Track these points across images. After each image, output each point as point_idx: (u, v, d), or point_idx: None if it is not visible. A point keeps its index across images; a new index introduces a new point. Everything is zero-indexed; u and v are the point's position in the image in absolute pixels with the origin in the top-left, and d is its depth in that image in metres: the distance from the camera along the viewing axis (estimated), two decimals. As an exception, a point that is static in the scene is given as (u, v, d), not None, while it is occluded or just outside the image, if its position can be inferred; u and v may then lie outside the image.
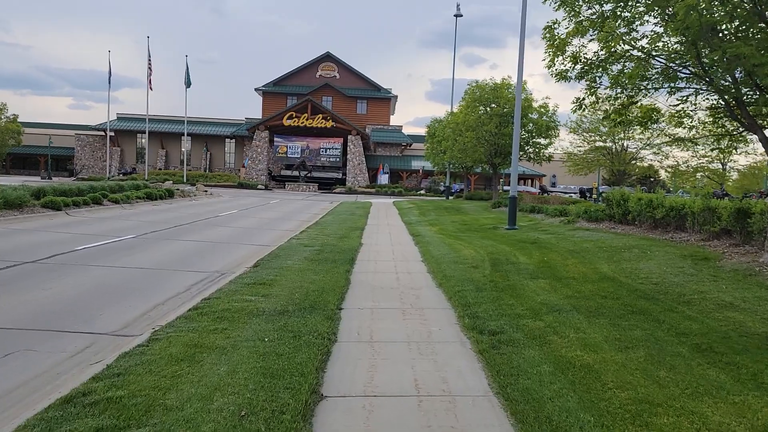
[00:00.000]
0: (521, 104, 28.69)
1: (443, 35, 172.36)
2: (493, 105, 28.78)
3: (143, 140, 73.63)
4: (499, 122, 28.58)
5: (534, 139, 29.07)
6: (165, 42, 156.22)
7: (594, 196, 57.84)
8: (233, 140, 71.04)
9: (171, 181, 53.99)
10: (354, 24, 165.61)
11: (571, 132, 38.44)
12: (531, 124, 28.47)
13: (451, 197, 44.04)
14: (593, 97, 11.05)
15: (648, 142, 39.68)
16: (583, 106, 11.30)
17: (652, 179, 74.49)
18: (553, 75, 10.84)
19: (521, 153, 30.17)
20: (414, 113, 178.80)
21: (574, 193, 60.10)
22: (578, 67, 10.43)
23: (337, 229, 18.82)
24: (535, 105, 28.70)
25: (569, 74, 10.65)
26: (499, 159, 29.84)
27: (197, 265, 11.47)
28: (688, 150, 40.60)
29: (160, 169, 69.40)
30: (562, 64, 10.70)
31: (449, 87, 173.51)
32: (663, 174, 66.25)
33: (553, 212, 21.32)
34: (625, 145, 40.49)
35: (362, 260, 12.50)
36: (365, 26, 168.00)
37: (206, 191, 37.69)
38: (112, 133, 72.27)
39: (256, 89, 73.71)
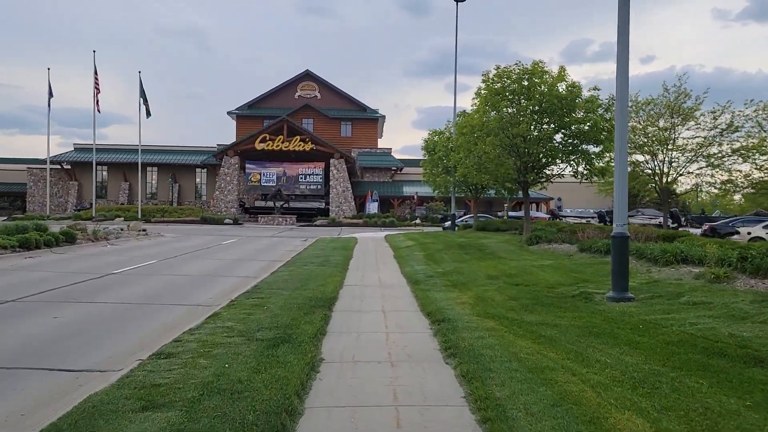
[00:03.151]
0: (561, 96, 19.78)
1: (427, 65, 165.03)
2: (523, 100, 19.79)
3: (104, 172, 64.71)
4: (534, 122, 19.61)
5: (581, 146, 20.06)
6: (154, 77, 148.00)
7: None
8: (204, 169, 61.88)
9: (122, 218, 44.85)
10: (338, 55, 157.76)
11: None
12: (576, 125, 19.40)
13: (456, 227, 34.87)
14: None
15: (700, 153, 30.96)
16: None
17: (669, 200, 65.77)
18: None
19: (565, 166, 21.01)
20: (402, 141, 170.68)
21: (591, 218, 51.13)
22: None
23: (285, 304, 9.59)
24: (578, 100, 19.68)
25: None
26: (533, 174, 20.81)
27: None
28: (746, 162, 31.97)
29: (122, 203, 59.99)
30: None
31: (436, 115, 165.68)
32: (683, 190, 57.75)
33: (661, 256, 12.15)
34: (671, 157, 31.55)
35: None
36: (349, 58, 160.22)
37: (143, 230, 28.33)
38: (69, 166, 63.24)
39: (229, 113, 64.81)
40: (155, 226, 40.69)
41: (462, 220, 41.52)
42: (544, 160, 20.77)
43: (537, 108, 19.55)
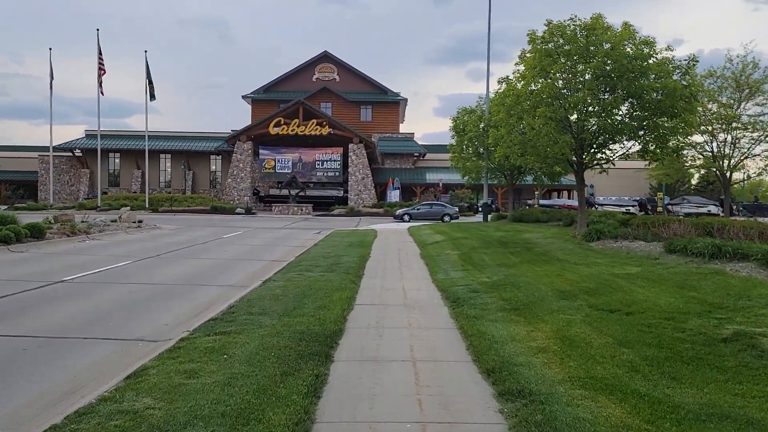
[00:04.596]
0: (628, 54, 15.78)
1: (447, 52, 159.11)
2: (580, 63, 15.76)
3: (117, 160, 61.83)
4: (594, 90, 15.55)
5: (652, 120, 15.88)
6: (177, 68, 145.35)
7: (659, 209, 44.53)
8: (219, 156, 58.53)
9: (128, 207, 41.59)
10: (358, 44, 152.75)
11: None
12: (645, 92, 15.24)
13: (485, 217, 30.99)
14: None
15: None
16: None
17: (712, 187, 60.54)
18: None
19: (630, 144, 16.92)
20: (423, 129, 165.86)
21: (631, 206, 46.69)
22: None
23: (258, 349, 6.06)
24: (652, 60, 15.49)
25: None
26: (590, 155, 16.76)
27: None
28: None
29: (134, 192, 56.95)
30: None
31: (458, 102, 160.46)
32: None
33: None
34: (735, 137, 27.22)
35: None
36: (369, 46, 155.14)
37: (138, 222, 25.02)
38: (80, 153, 60.35)
39: (244, 97, 61.35)
40: (160, 216, 37.55)
41: (415, 208, 38.29)
42: (601, 138, 16.78)
43: (599, 71, 15.53)
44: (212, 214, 40.45)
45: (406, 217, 36.37)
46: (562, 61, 16.17)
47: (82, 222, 23.25)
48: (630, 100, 16.01)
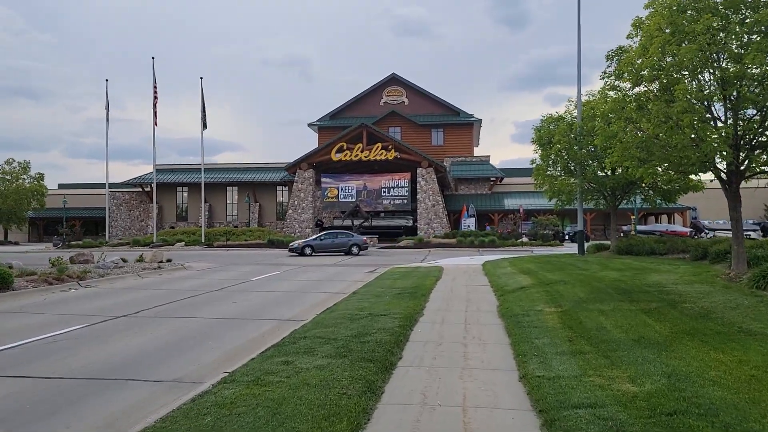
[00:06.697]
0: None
1: (524, 78, 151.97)
2: (731, 16, 10.17)
3: (184, 194, 59.98)
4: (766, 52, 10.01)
5: None
6: (260, 106, 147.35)
7: (790, 233, 36.52)
8: (285, 187, 55.32)
9: (183, 243, 38.64)
10: (432, 72, 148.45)
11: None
12: None
13: (574, 246, 24.95)
14: None
15: None
16: None
17: None
18: None
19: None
20: (500, 156, 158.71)
21: (752, 230, 38.80)
22: None
23: None
24: None
25: None
26: (753, 158, 10.83)
27: None
28: None
29: (199, 226, 54.56)
30: None
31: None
32: None
33: None
34: None
35: None
36: (443, 73, 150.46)
37: (165, 261, 21.09)
38: (148, 189, 58.83)
39: (310, 125, 58.22)
40: (210, 252, 34.04)
41: (317, 239, 31.36)
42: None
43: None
44: (268, 248, 36.54)
45: (308, 250, 29.85)
46: (705, 17, 10.66)
47: (98, 261, 19.59)
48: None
